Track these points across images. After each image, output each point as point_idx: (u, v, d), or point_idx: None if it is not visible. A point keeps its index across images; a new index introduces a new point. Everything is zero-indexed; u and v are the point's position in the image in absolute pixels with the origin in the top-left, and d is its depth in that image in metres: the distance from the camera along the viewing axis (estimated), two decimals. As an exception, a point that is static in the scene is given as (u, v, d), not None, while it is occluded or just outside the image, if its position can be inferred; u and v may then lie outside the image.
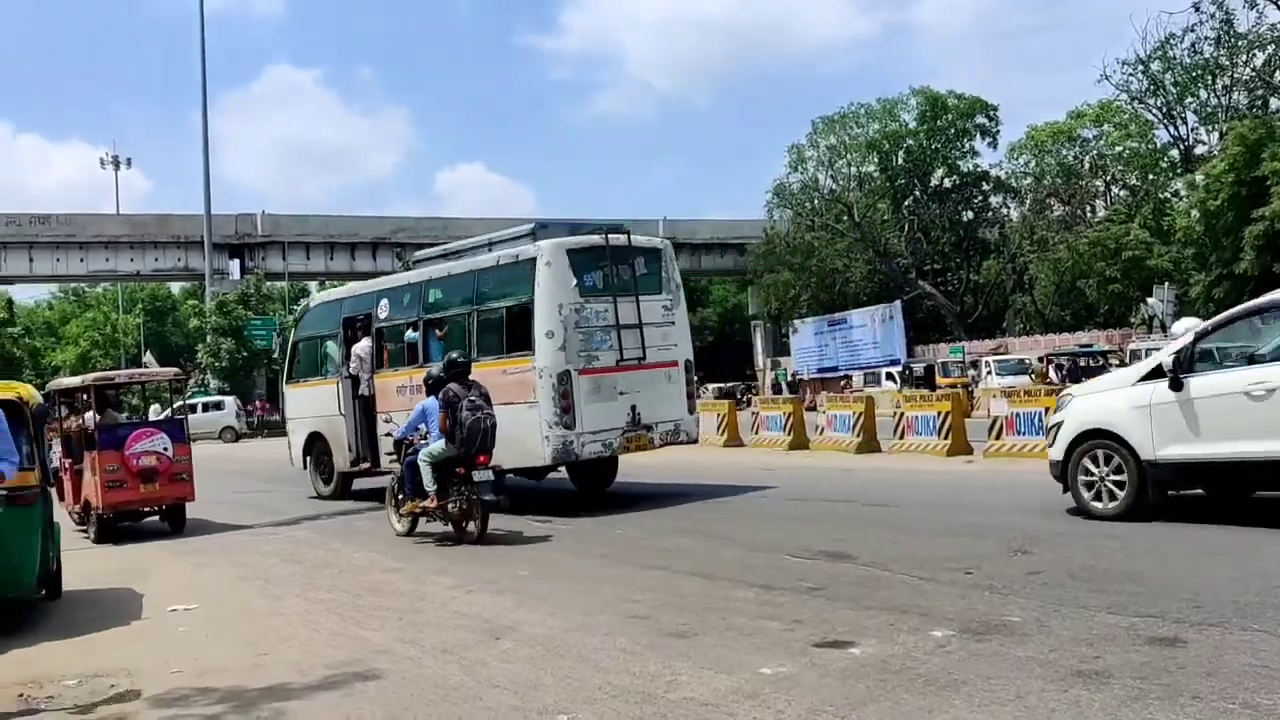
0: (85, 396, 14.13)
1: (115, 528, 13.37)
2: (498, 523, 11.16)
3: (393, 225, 61.60)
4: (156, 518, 14.01)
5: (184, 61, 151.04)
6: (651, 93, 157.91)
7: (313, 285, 71.79)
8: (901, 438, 17.89)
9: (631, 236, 13.44)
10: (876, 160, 57.91)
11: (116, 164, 69.36)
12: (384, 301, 15.22)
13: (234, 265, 59.33)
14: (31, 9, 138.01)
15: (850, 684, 5.06)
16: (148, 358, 45.45)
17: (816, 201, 59.37)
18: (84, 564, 10.86)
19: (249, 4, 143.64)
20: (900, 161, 57.69)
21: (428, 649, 6.49)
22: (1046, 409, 15.02)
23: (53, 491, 9.66)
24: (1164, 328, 34.54)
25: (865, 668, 5.32)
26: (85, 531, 13.72)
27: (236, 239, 58.67)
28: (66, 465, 14.54)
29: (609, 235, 13.10)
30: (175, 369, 18.61)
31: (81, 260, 56.51)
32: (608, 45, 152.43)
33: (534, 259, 12.61)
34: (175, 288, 79.96)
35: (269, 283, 59.98)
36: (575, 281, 12.62)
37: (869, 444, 18.31)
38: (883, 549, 8.65)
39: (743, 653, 5.76)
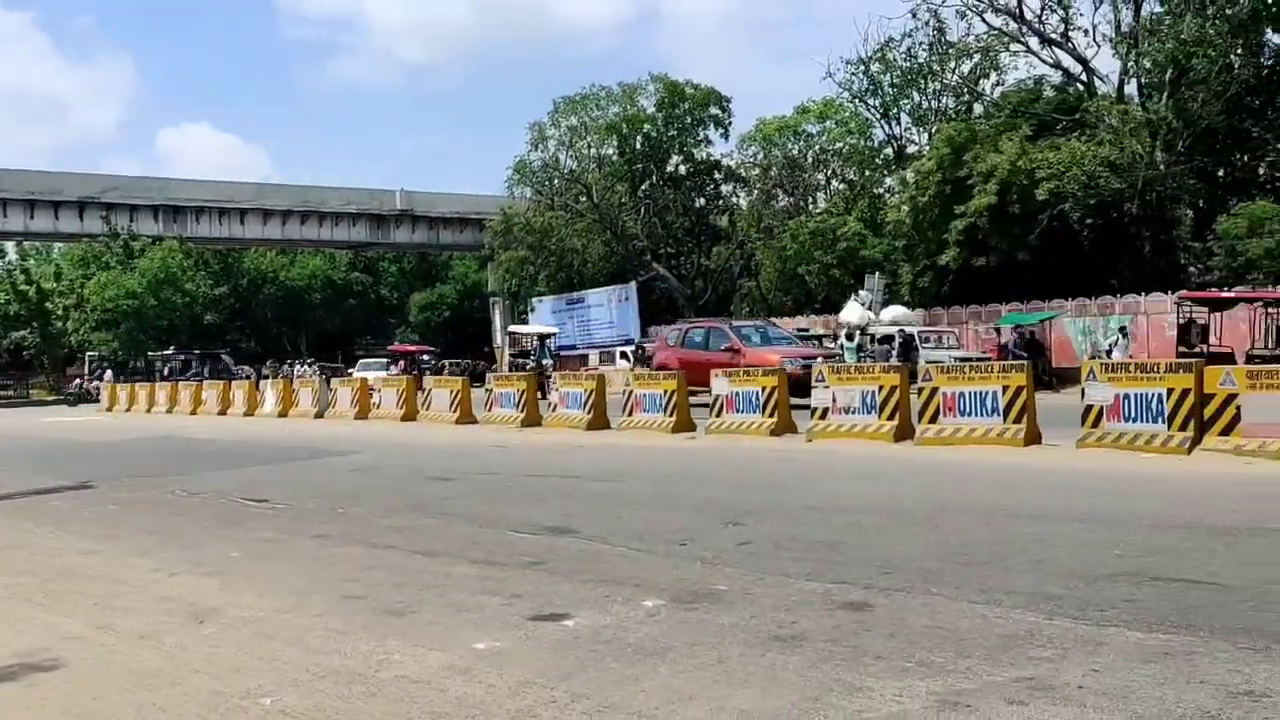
0: None
1: None
2: (213, 506, 10.60)
3: (103, 184, 57.06)
4: None
5: None
6: (398, 62, 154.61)
7: (9, 245, 65.64)
8: (630, 415, 18.30)
9: None
10: (616, 143, 58.63)
11: None
12: None
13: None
14: None
15: (561, 655, 5.13)
16: None
17: (556, 181, 59.59)
18: None
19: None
20: (638, 146, 58.65)
21: (123, 635, 6.10)
22: (763, 388, 15.83)
23: None
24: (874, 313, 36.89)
25: (578, 639, 5.40)
26: None
27: (-85, 191, 52.85)
28: None
29: None
30: None
31: None
32: (352, 8, 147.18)
33: None
34: None
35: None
36: None
37: (599, 421, 18.63)
38: (605, 523, 8.81)
39: (458, 629, 5.73)
